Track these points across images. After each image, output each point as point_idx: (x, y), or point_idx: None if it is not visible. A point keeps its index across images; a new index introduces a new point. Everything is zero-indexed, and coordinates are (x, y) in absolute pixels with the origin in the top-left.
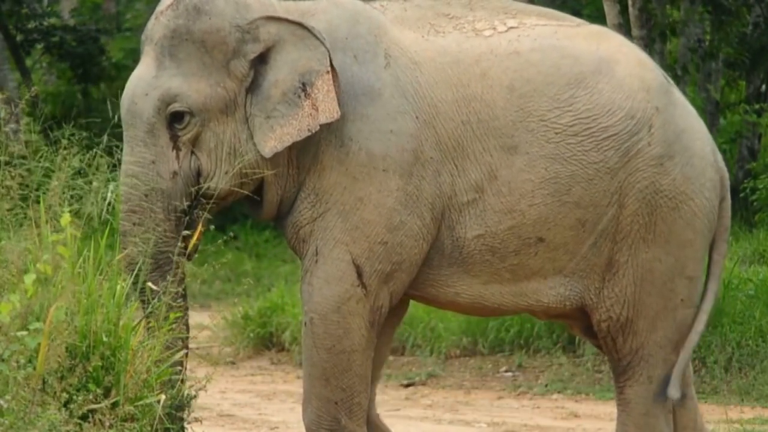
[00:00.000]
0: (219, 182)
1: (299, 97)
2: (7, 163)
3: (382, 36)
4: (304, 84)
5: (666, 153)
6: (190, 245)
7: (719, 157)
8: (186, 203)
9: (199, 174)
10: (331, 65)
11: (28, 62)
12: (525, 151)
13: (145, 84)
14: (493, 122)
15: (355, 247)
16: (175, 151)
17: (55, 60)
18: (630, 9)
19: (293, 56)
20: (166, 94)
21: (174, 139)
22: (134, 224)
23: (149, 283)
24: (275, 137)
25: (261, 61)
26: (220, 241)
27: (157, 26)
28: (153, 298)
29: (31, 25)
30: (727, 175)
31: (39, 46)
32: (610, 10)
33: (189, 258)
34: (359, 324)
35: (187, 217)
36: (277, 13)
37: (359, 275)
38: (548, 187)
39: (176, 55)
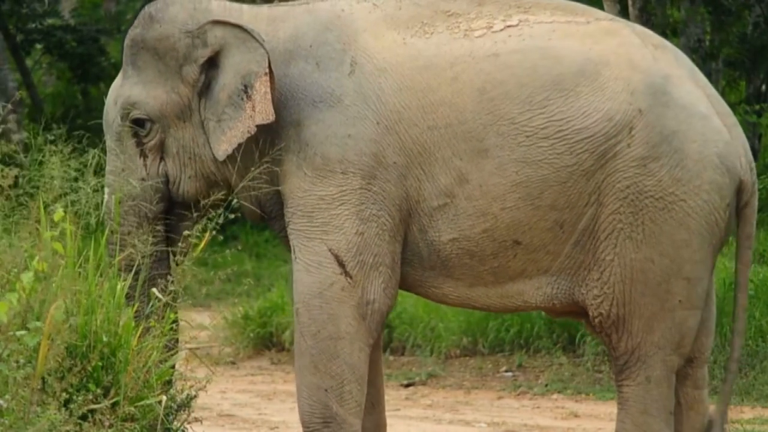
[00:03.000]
0: (185, 186)
1: (242, 99)
2: (5, 163)
3: (351, 44)
4: (245, 86)
5: (650, 155)
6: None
7: (743, 161)
8: (160, 207)
9: (167, 179)
10: (269, 67)
11: (28, 62)
12: (496, 154)
13: (114, 93)
14: (462, 126)
15: (330, 239)
16: (142, 159)
17: (55, 60)
18: (630, 9)
19: (237, 59)
20: (126, 102)
21: (140, 146)
22: (112, 232)
23: (153, 290)
24: (226, 140)
25: (212, 65)
26: (228, 251)
27: (126, 37)
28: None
29: (31, 25)
30: (749, 179)
31: (39, 46)
32: (610, 10)
33: (177, 264)
34: (345, 312)
35: (167, 220)
36: (242, 18)
37: (341, 264)
38: (520, 191)
39: (136, 63)
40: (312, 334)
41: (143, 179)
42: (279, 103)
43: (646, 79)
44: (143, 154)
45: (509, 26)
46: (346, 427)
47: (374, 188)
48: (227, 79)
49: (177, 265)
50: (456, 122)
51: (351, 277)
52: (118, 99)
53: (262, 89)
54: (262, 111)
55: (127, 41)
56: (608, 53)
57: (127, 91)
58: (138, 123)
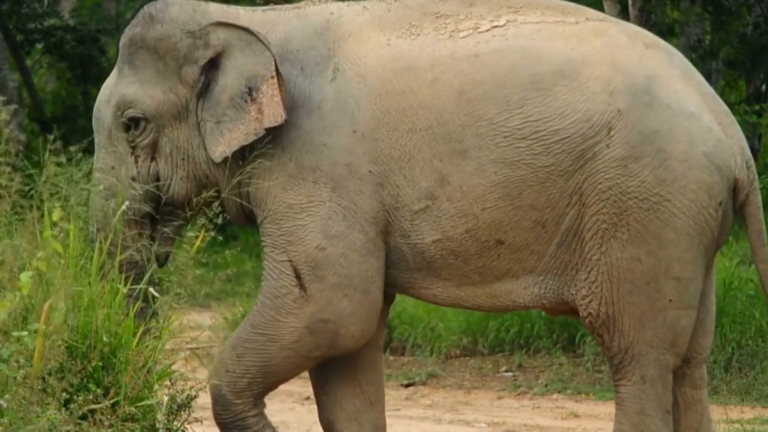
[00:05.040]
0: (176, 187)
1: (246, 101)
2: (5, 164)
3: (337, 49)
4: (250, 89)
5: (630, 155)
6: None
7: (738, 159)
8: (150, 207)
9: (158, 179)
10: (277, 70)
11: (28, 62)
12: (475, 155)
13: (108, 91)
14: (441, 128)
15: (292, 249)
16: (133, 157)
17: (55, 60)
18: (630, 9)
19: (240, 61)
20: (122, 101)
21: (132, 144)
22: (98, 230)
23: (150, 289)
24: (224, 142)
25: (212, 66)
26: (228, 251)
27: (122, 36)
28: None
29: (31, 25)
30: (745, 177)
31: (39, 46)
32: (610, 10)
33: (161, 265)
34: (291, 322)
35: (155, 220)
36: (239, 20)
37: (297, 276)
38: (499, 191)
39: (133, 62)
40: (252, 325)
41: (133, 178)
42: None
43: (627, 80)
44: (135, 153)
45: (495, 27)
46: (232, 410)
47: (343, 202)
48: (229, 80)
49: (160, 266)
50: (436, 124)
51: (305, 291)
52: (111, 97)
53: (269, 92)
54: (270, 114)
55: (124, 40)
56: (591, 53)
57: (123, 89)
58: (132, 121)
